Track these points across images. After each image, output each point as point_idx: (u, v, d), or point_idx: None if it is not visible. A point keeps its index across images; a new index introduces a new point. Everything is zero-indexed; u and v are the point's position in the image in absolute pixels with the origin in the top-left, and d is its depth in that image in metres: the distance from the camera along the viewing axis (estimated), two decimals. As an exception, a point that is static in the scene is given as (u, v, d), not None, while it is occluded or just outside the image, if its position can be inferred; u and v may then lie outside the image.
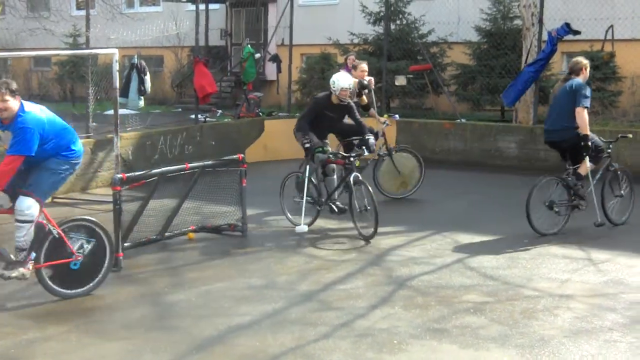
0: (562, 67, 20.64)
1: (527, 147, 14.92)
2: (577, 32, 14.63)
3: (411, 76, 19.58)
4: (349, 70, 17.12)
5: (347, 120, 11.25)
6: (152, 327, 7.04)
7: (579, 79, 10.08)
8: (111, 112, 12.42)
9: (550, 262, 8.95)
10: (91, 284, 7.86)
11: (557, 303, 7.56)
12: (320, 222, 10.90)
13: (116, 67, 11.61)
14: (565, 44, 17.06)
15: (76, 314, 7.36)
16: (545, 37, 14.76)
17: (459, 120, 16.15)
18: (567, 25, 14.50)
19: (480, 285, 8.11)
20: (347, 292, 7.92)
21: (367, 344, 6.55)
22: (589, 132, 9.84)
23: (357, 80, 11.91)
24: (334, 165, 10.63)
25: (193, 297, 7.82)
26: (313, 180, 10.63)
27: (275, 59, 23.21)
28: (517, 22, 19.76)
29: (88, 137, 13.80)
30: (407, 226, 10.69)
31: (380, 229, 10.41)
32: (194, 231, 10.19)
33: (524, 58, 16.14)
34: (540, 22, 15.16)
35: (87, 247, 7.82)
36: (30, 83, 29.96)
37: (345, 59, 17.57)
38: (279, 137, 16.64)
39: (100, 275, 7.92)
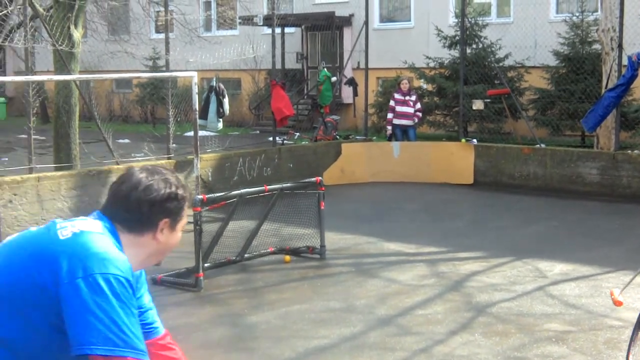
0: (644, 92, 20.29)
1: (608, 173, 14.66)
2: (658, 57, 14.37)
3: (489, 100, 19.44)
4: (403, 95, 17.21)
5: None
6: (232, 347, 7.11)
7: None
8: (191, 133, 12.63)
9: (635, 291, 8.75)
10: None
11: (642, 333, 7.40)
12: (399, 247, 10.89)
13: (195, 89, 11.81)
14: (647, 69, 16.76)
15: (158, 332, 7.46)
16: (625, 61, 14.52)
17: (538, 145, 15.96)
18: (648, 49, 14.29)
19: (562, 314, 7.99)
20: (426, 317, 7.88)
21: (447, 370, 6.51)
22: None
23: None
24: None
25: (272, 318, 7.87)
26: None
27: (352, 82, 23.32)
28: (596, 46, 19.48)
29: (169, 159, 14.04)
30: (487, 252, 10.59)
31: (458, 254, 10.38)
32: (273, 253, 10.27)
33: (604, 83, 15.89)
34: (620, 46, 14.92)
35: None
36: (112, 105, 30.65)
37: (399, 84, 17.64)
38: (356, 160, 16.70)
39: None
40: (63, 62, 13.69)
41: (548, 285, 9.00)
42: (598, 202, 13.67)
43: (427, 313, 8.01)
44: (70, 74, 13.58)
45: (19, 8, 13.53)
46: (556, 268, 9.76)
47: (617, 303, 5.87)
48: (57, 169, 13.30)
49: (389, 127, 17.37)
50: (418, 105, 17.38)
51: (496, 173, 16.03)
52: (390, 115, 17.32)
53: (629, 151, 15.09)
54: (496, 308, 8.18)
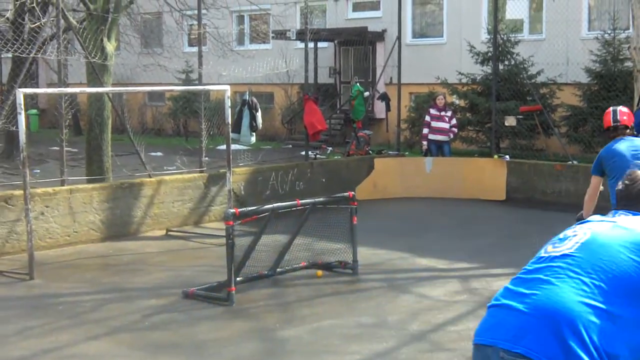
0: (677, 110, 20.09)
1: None
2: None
3: (521, 117, 19.33)
4: (439, 110, 17.16)
5: None
6: (264, 362, 7.11)
7: None
8: (223, 147, 12.67)
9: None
10: None
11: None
12: (432, 262, 10.85)
13: (228, 103, 11.86)
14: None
15: (189, 346, 7.49)
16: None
17: (570, 162, 15.85)
18: (680, 67, 14.15)
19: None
20: (459, 333, 7.83)
21: (479, 388, 6.45)
22: None
23: None
24: None
25: (304, 333, 7.85)
26: None
27: (384, 97, 23.29)
28: (628, 64, 19.32)
29: (201, 172, 14.10)
30: (519, 268, 10.37)
31: (491, 271, 10.33)
32: (305, 267, 10.26)
33: (636, 100, 15.74)
34: (651, 64, 14.82)
35: None
36: (145, 117, 30.83)
37: (435, 100, 17.60)
38: (389, 175, 16.68)
39: None
40: (96, 74, 13.81)
41: (582, 304, 8.89)
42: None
43: (459, 329, 7.96)
44: (103, 87, 13.70)
45: (52, 20, 13.67)
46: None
47: None
48: (89, 181, 13.41)
49: (425, 142, 17.33)
50: (453, 121, 17.34)
51: (528, 189, 15.92)
52: (425, 131, 17.27)
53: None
54: (529, 326, 8.10)
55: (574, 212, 14.59)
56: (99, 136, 14.31)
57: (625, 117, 8.58)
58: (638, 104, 15.26)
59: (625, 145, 8.35)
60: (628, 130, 8.58)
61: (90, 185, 12.63)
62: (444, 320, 8.29)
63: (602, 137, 19.63)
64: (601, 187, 8.11)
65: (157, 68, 22.62)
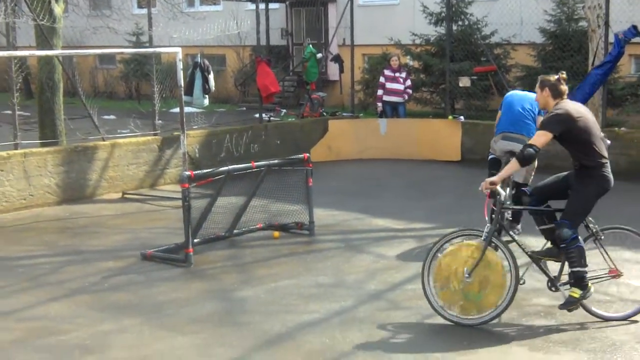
0: (630, 70, 20.33)
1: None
2: (644, 35, 14.39)
3: (475, 78, 19.43)
4: (393, 71, 17.16)
5: None
6: (222, 322, 7.13)
7: None
8: (176, 110, 12.58)
9: (626, 268, 8.79)
10: None
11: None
12: (388, 223, 10.93)
13: (180, 65, 11.73)
14: (633, 47, 16.78)
15: (148, 307, 7.49)
16: (611, 39, 14.53)
17: (524, 122, 15.97)
18: (635, 27, 14.25)
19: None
20: (415, 292, 7.90)
21: (435, 344, 6.56)
22: None
23: None
24: None
25: (262, 293, 7.89)
26: None
27: (337, 59, 23.23)
28: (583, 23, 19.48)
29: (155, 135, 14.00)
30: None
31: (447, 230, 10.36)
32: (262, 229, 10.28)
33: (590, 60, 15.90)
34: (606, 24, 14.93)
35: None
36: (97, 81, 30.43)
37: (389, 61, 17.58)
38: (343, 137, 16.69)
39: None
40: (45, 37, 13.58)
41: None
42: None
43: (416, 288, 8.02)
44: (53, 49, 13.47)
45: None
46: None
47: None
48: (42, 145, 13.24)
49: (379, 104, 17.30)
50: (408, 82, 17.32)
51: (484, 150, 15.95)
52: (380, 92, 17.25)
53: (616, 128, 15.15)
54: (485, 283, 8.21)
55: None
56: (50, 100, 14.08)
57: None
58: (593, 64, 15.42)
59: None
60: None
61: (44, 149, 12.47)
62: (401, 279, 8.37)
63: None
64: None
65: (106, 30, 22.26)
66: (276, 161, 10.55)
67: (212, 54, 25.35)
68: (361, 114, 19.78)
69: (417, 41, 22.02)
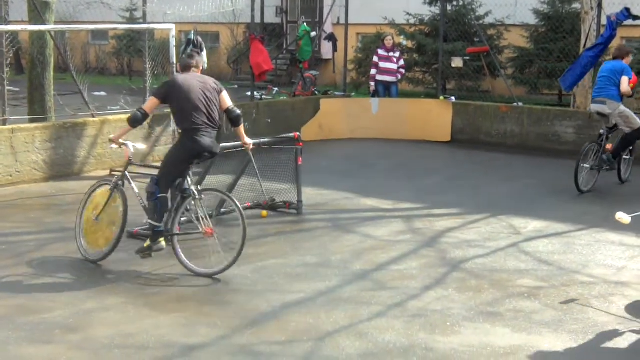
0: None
1: (584, 132, 14.73)
2: (637, 17, 14.34)
3: (468, 58, 19.41)
4: (387, 51, 17.11)
5: None
6: (207, 301, 7.14)
7: None
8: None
9: (607, 249, 8.87)
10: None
11: (612, 290, 7.51)
12: (376, 203, 10.94)
13: (173, 42, 11.70)
14: (624, 29, 16.78)
15: (133, 286, 7.49)
16: (604, 21, 14.51)
17: (515, 104, 16.00)
18: (627, 10, 14.22)
19: (534, 270, 8.08)
20: (401, 272, 7.94)
21: (420, 324, 6.58)
22: None
23: None
24: None
25: (248, 273, 7.89)
26: None
27: (331, 38, 23.15)
28: (576, 5, 19.48)
29: (145, 112, 13.92)
30: (462, 209, 10.65)
31: (434, 211, 10.47)
32: (250, 208, 10.26)
33: (582, 42, 15.89)
34: (600, 6, 14.93)
35: None
36: (88, 56, 30.30)
37: (383, 40, 17.53)
38: (335, 116, 16.67)
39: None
40: (37, 12, 13.50)
41: (521, 242, 9.09)
42: (573, 161, 13.70)
43: (402, 268, 8.08)
44: (45, 24, 13.40)
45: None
46: (530, 225, 9.85)
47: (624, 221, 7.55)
48: (31, 121, 13.18)
49: (372, 83, 17.24)
50: (401, 62, 17.28)
51: (474, 131, 16.07)
52: (373, 72, 17.18)
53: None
54: (470, 264, 8.26)
55: (518, 154, 14.89)
56: (41, 75, 14.00)
57: None
58: (585, 46, 15.39)
59: None
60: None
61: (33, 125, 12.42)
62: (387, 259, 8.39)
63: (548, 79, 19.87)
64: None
65: (100, 6, 22.16)
66: (267, 140, 10.52)
67: (205, 31, 25.23)
68: (353, 93, 19.76)
69: (412, 21, 21.99)
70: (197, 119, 7.81)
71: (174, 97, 7.87)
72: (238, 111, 8.25)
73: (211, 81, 8.12)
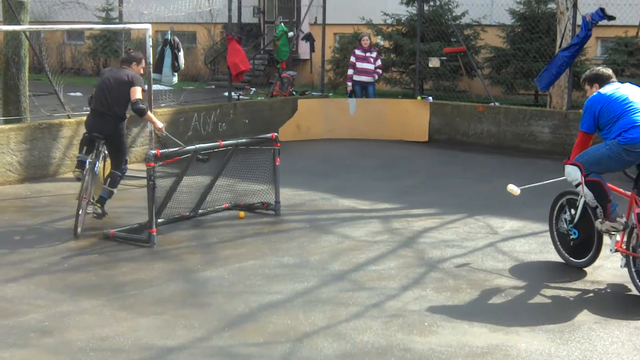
0: (596, 53, 20.46)
1: (560, 132, 14.81)
2: (611, 18, 14.44)
3: (445, 58, 19.47)
4: (364, 51, 17.13)
5: None
6: (184, 303, 7.10)
7: None
8: (144, 87, 12.46)
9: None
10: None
11: (589, 289, 7.55)
12: (354, 203, 10.93)
13: (149, 42, 11.62)
14: (599, 29, 16.88)
15: (109, 288, 7.44)
16: (579, 21, 14.60)
17: (492, 104, 16.05)
18: (602, 10, 14.32)
19: (511, 270, 8.10)
20: (379, 273, 7.94)
21: (398, 325, 6.58)
22: None
23: None
24: None
25: (225, 274, 7.87)
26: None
27: (309, 38, 23.12)
28: (552, 5, 19.57)
29: (122, 113, 13.85)
30: (440, 209, 10.67)
31: (412, 211, 10.48)
32: (227, 209, 10.24)
33: (558, 42, 15.98)
34: (575, 6, 15.01)
35: None
36: (64, 57, 30.09)
37: (360, 40, 17.53)
38: (312, 117, 16.65)
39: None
40: (12, 11, 13.39)
41: (499, 242, 9.13)
42: (550, 161, 13.78)
43: (380, 269, 8.08)
44: (20, 24, 13.29)
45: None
46: (507, 225, 9.89)
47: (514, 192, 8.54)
48: (6, 122, 13.05)
49: (349, 84, 17.23)
50: (378, 62, 17.28)
51: (451, 130, 16.10)
52: (350, 72, 17.17)
53: (581, 110, 15.21)
54: (448, 264, 8.28)
55: (495, 153, 14.93)
56: (16, 76, 13.88)
57: None
58: (560, 46, 15.47)
59: None
60: None
61: (7, 126, 12.31)
62: (365, 260, 8.39)
63: (524, 79, 19.96)
64: None
65: (75, 6, 22.02)
66: (244, 140, 10.49)
67: (182, 31, 25.09)
68: (331, 94, 19.76)
69: (389, 21, 22.00)
70: (94, 103, 9.55)
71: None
72: (139, 105, 9.42)
73: (126, 76, 9.44)
